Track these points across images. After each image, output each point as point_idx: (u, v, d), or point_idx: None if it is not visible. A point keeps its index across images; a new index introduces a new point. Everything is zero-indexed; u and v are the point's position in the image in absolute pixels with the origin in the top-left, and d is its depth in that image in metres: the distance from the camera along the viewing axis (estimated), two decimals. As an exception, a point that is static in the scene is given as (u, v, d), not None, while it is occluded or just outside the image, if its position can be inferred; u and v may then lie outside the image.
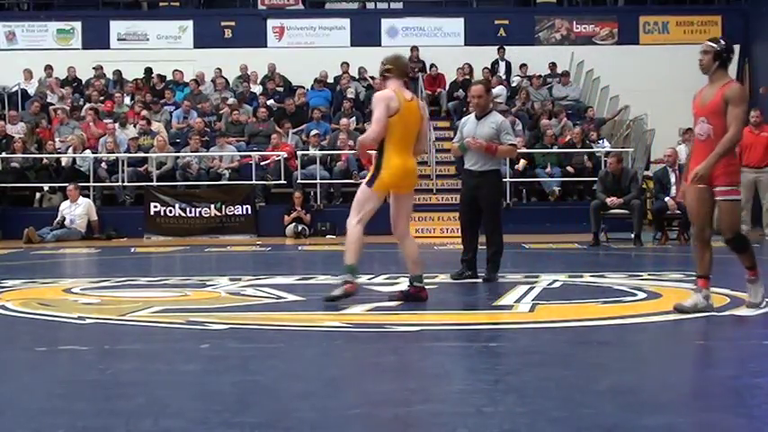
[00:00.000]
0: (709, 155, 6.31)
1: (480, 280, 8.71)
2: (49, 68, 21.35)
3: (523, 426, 3.61)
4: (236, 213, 16.98)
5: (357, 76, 21.54)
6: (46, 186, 17.46)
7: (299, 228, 16.26)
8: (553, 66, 21.60)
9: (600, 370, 4.73)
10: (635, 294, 7.60)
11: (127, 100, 20.62)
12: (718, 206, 6.43)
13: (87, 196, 17.03)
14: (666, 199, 13.95)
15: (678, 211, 13.98)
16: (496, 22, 22.57)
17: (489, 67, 21.73)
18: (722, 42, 6.51)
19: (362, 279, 7.65)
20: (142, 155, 17.85)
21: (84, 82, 21.69)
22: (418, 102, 7.29)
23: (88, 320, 6.47)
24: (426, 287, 7.34)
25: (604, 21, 22.67)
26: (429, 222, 16.57)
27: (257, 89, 21.05)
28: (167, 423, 3.68)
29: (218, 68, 21.16)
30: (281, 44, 22.56)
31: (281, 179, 17.28)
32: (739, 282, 6.91)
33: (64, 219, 16.36)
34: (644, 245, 13.46)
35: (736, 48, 21.56)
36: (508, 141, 8.77)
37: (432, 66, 21.68)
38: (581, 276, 9.22)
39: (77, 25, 22.72)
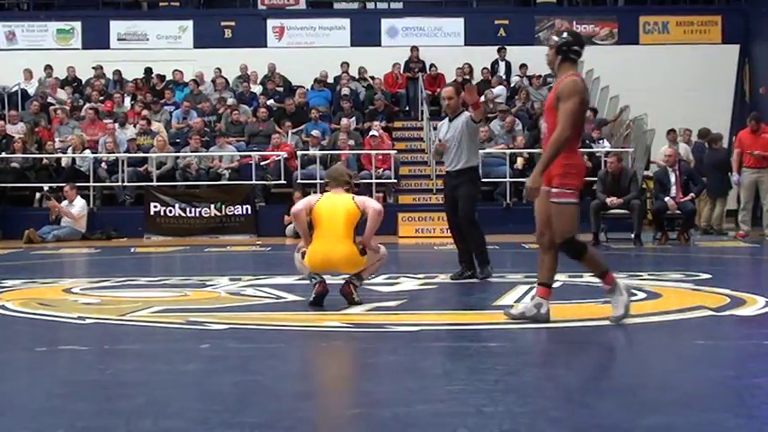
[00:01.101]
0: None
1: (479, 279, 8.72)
2: (48, 68, 21.35)
3: (523, 426, 3.61)
4: (236, 213, 16.99)
5: (357, 76, 21.54)
6: (46, 186, 17.45)
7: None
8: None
9: (600, 370, 4.73)
10: (635, 294, 7.58)
11: (127, 100, 20.62)
12: (551, 208, 5.95)
13: (87, 196, 17.03)
14: (666, 199, 13.95)
15: (678, 211, 13.99)
16: (496, 22, 22.57)
17: (489, 67, 21.73)
18: (564, 36, 6.11)
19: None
20: (142, 155, 17.84)
21: (84, 82, 21.68)
22: (353, 198, 7.18)
23: (88, 320, 6.47)
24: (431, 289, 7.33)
25: (604, 21, 22.67)
26: (429, 222, 16.57)
27: (257, 89, 21.05)
28: (167, 423, 3.68)
29: (218, 68, 21.15)
30: (281, 44, 22.56)
31: (281, 179, 17.27)
32: (739, 282, 6.90)
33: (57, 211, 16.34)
34: (644, 245, 13.47)
35: (736, 48, 21.84)
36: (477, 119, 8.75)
37: (432, 66, 21.69)
38: (581, 276, 9.22)
39: (77, 25, 22.72)
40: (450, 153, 8.83)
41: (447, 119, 9.04)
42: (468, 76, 21.30)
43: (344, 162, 17.22)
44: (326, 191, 7.43)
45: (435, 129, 19.13)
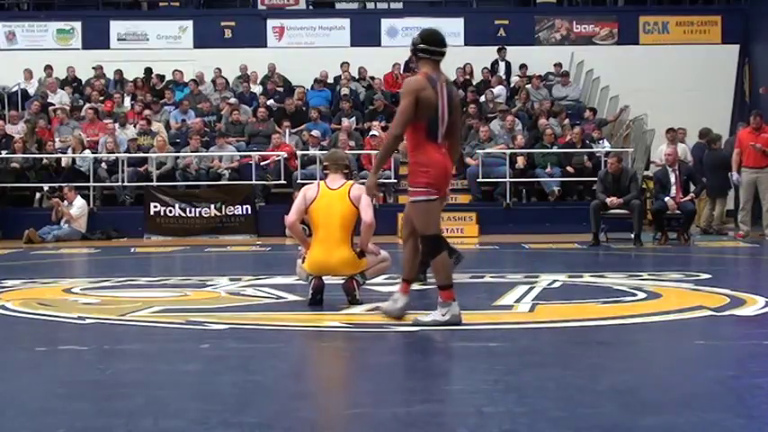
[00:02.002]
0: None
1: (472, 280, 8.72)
2: (49, 68, 21.33)
3: (523, 426, 3.61)
4: (236, 213, 16.98)
5: (357, 76, 21.54)
6: (46, 186, 17.44)
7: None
8: (558, 66, 21.58)
9: (600, 370, 4.73)
10: (635, 294, 7.60)
11: (127, 100, 20.62)
12: (410, 207, 6.13)
13: (87, 196, 17.03)
14: (666, 199, 13.94)
15: (678, 211, 13.99)
16: (496, 22, 22.57)
17: (489, 67, 21.74)
18: (416, 36, 6.17)
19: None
20: (142, 155, 17.85)
21: (84, 82, 21.68)
22: (349, 189, 7.17)
23: (88, 320, 6.48)
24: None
25: (604, 21, 22.67)
26: (429, 222, 16.56)
27: (257, 89, 21.05)
28: (167, 423, 3.68)
29: (218, 68, 21.15)
30: (281, 44, 22.56)
31: (281, 179, 17.28)
32: (739, 282, 6.90)
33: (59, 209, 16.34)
34: (644, 245, 13.47)
35: (736, 48, 21.85)
36: None
37: (432, 66, 21.65)
38: (581, 276, 9.22)
39: (77, 25, 22.72)
40: None
41: None
42: (468, 77, 21.32)
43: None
44: (326, 174, 7.45)
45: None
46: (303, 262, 7.24)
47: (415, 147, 6.01)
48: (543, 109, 19.42)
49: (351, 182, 7.29)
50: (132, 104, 20.13)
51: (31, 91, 21.05)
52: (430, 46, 6.05)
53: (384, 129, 19.12)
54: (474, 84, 21.21)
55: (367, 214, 7.03)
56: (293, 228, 7.37)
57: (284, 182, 17.24)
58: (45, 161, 17.88)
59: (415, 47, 6.10)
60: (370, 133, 18.00)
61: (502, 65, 21.97)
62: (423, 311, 6.18)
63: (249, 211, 16.99)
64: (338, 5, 23.83)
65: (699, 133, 17.15)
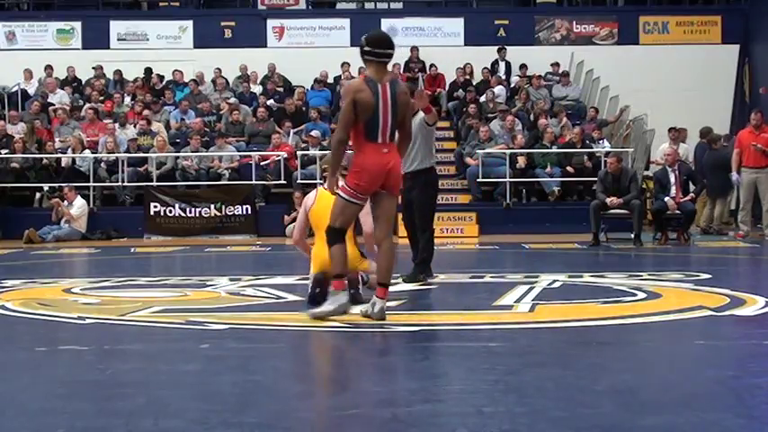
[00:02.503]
0: None
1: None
2: (49, 68, 21.32)
3: (523, 426, 3.61)
4: (236, 213, 16.98)
5: (357, 77, 21.54)
6: (46, 186, 17.45)
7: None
8: (557, 65, 21.58)
9: (600, 370, 4.73)
10: (635, 294, 7.60)
11: (127, 100, 20.62)
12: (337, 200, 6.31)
13: (87, 196, 17.04)
14: (666, 199, 13.95)
15: (678, 211, 13.99)
16: (496, 22, 22.55)
17: (489, 67, 21.73)
18: (362, 39, 6.26)
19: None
20: (142, 155, 17.85)
21: (84, 82, 21.68)
22: None
23: (88, 320, 6.47)
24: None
25: (604, 21, 22.66)
26: (429, 222, 16.53)
27: (257, 89, 21.05)
28: (167, 423, 3.68)
29: (218, 68, 21.15)
30: (281, 44, 22.56)
31: (281, 179, 17.28)
32: (739, 282, 6.90)
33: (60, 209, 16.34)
34: (644, 245, 13.47)
35: (736, 48, 21.85)
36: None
37: (431, 66, 21.69)
38: (581, 276, 9.22)
39: (77, 25, 22.71)
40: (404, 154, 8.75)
41: None
42: (468, 77, 21.31)
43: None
44: (325, 176, 7.48)
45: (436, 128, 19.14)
46: None
47: (356, 147, 6.22)
48: (543, 109, 19.42)
49: None
50: (132, 104, 20.12)
51: (31, 91, 21.04)
52: (374, 48, 6.18)
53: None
54: (474, 84, 21.19)
55: (366, 223, 7.00)
56: (298, 245, 7.46)
57: (284, 182, 17.24)
58: (45, 161, 17.88)
59: (360, 48, 6.22)
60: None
61: (502, 65, 21.96)
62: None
63: (249, 211, 16.99)
64: (338, 5, 23.83)
65: (699, 133, 17.14)
